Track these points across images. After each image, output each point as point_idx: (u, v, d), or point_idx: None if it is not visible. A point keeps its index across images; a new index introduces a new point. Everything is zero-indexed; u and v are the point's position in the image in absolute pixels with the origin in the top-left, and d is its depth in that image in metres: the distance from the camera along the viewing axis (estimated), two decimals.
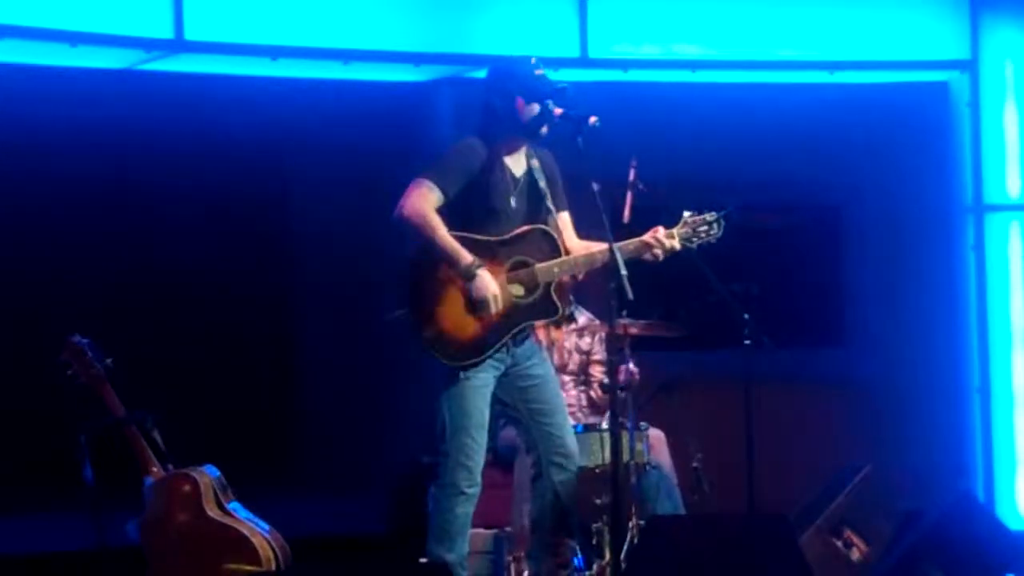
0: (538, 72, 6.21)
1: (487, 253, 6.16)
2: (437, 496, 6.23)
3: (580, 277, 6.71)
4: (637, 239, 6.29)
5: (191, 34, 8.35)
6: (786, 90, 9.56)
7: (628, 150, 7.36)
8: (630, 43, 9.25)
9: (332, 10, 8.72)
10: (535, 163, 6.29)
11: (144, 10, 8.30)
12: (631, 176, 7.31)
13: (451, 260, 6.10)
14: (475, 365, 6.15)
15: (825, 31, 9.50)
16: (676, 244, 6.29)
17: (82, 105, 8.54)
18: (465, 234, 6.14)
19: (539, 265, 6.21)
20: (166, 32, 8.32)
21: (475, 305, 6.12)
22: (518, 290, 6.21)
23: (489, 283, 6.11)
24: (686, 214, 6.33)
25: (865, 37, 9.53)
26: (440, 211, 6.11)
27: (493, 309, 6.12)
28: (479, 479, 6.23)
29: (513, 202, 6.23)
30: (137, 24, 8.27)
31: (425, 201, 6.09)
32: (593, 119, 6.05)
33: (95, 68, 8.54)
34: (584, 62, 9.15)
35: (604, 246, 6.16)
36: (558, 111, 6.14)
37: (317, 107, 8.99)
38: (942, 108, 9.85)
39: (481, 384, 6.18)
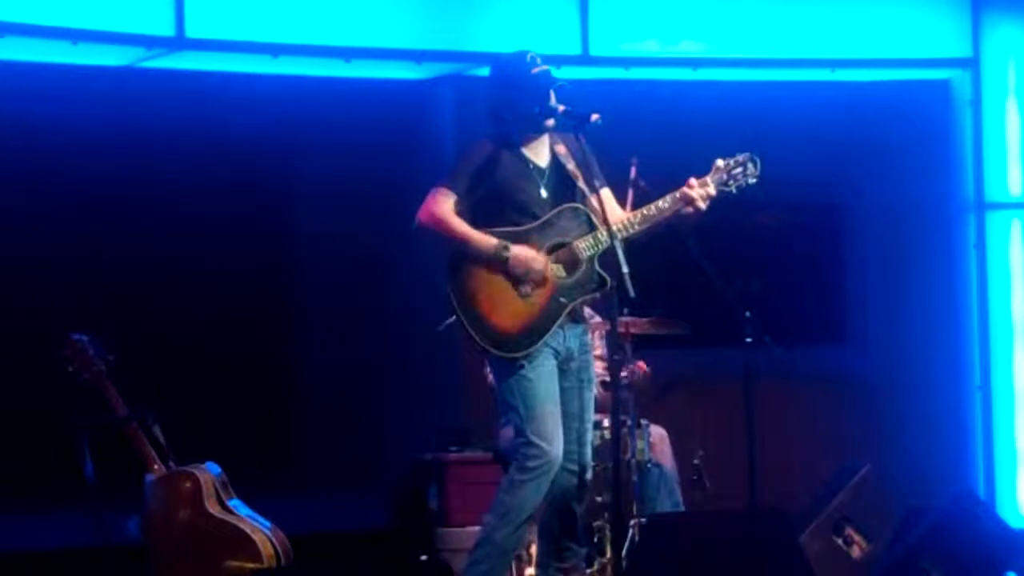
0: (535, 71, 6.19)
1: (522, 243, 6.12)
2: (519, 480, 6.07)
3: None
4: (672, 193, 6.19)
5: (192, 32, 8.36)
6: (787, 88, 9.56)
7: (629, 148, 7.35)
8: (632, 41, 9.25)
9: (333, 7, 8.72)
10: (560, 149, 6.25)
11: (145, 7, 8.31)
12: (632, 174, 7.31)
13: (478, 249, 6.07)
14: (533, 351, 6.06)
15: (826, 29, 9.50)
16: (711, 190, 6.15)
17: (83, 103, 8.53)
18: (496, 230, 6.12)
19: (577, 241, 6.17)
20: (167, 30, 8.33)
21: (520, 281, 6.07)
22: (560, 271, 6.16)
23: (524, 251, 6.07)
24: (718, 161, 6.22)
25: (866, 35, 9.53)
26: (468, 215, 6.10)
27: (541, 267, 6.06)
28: (558, 460, 6.07)
29: (544, 193, 6.20)
30: (138, 21, 8.28)
31: (440, 205, 6.09)
32: (595, 117, 6.03)
33: (96, 66, 8.54)
34: (585, 60, 9.15)
35: (654, 201, 6.15)
36: (561, 108, 6.13)
37: (318, 104, 8.98)
38: (943, 106, 9.85)
39: (545, 369, 6.10)
